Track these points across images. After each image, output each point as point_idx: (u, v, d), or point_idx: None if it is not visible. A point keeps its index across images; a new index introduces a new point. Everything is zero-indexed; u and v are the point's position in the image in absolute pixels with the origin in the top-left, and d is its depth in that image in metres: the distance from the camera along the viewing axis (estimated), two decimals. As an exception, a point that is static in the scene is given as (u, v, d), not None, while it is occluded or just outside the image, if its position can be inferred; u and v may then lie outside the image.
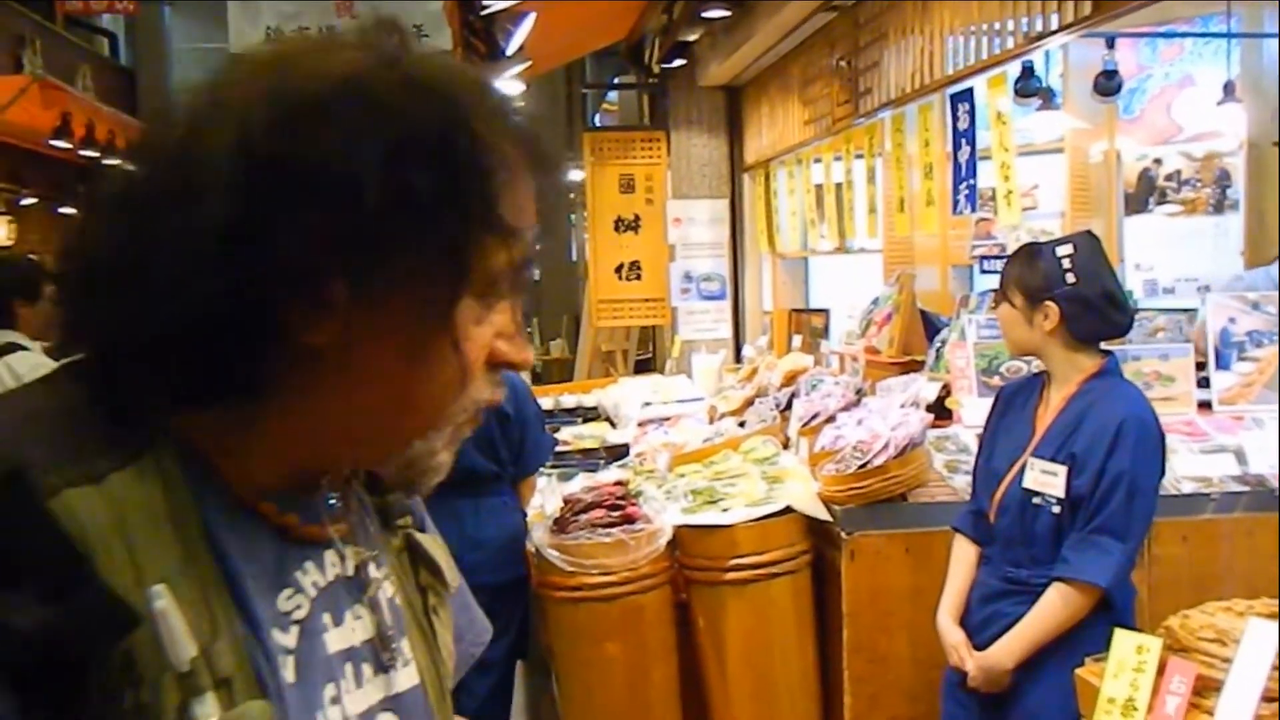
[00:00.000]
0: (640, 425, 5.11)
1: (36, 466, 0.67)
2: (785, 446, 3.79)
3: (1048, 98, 5.19)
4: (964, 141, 3.71)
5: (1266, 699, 1.63)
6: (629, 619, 3.18)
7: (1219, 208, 5.82)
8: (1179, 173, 5.92)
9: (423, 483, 0.83)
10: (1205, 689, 1.80)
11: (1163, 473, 2.56)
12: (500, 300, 0.77)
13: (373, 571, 0.84)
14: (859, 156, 4.78)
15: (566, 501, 3.35)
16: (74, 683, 0.65)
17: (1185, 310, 5.74)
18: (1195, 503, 3.21)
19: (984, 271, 5.81)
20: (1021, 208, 5.74)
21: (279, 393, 0.73)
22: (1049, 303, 2.50)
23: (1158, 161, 5.98)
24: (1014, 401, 2.73)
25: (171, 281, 0.69)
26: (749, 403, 4.86)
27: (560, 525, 3.28)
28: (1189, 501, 3.21)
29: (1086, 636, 2.35)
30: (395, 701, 0.83)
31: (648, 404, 5.46)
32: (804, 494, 3.23)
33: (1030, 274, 2.55)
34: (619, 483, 3.45)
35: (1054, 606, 2.45)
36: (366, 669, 0.81)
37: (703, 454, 3.83)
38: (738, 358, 6.53)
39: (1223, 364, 3.81)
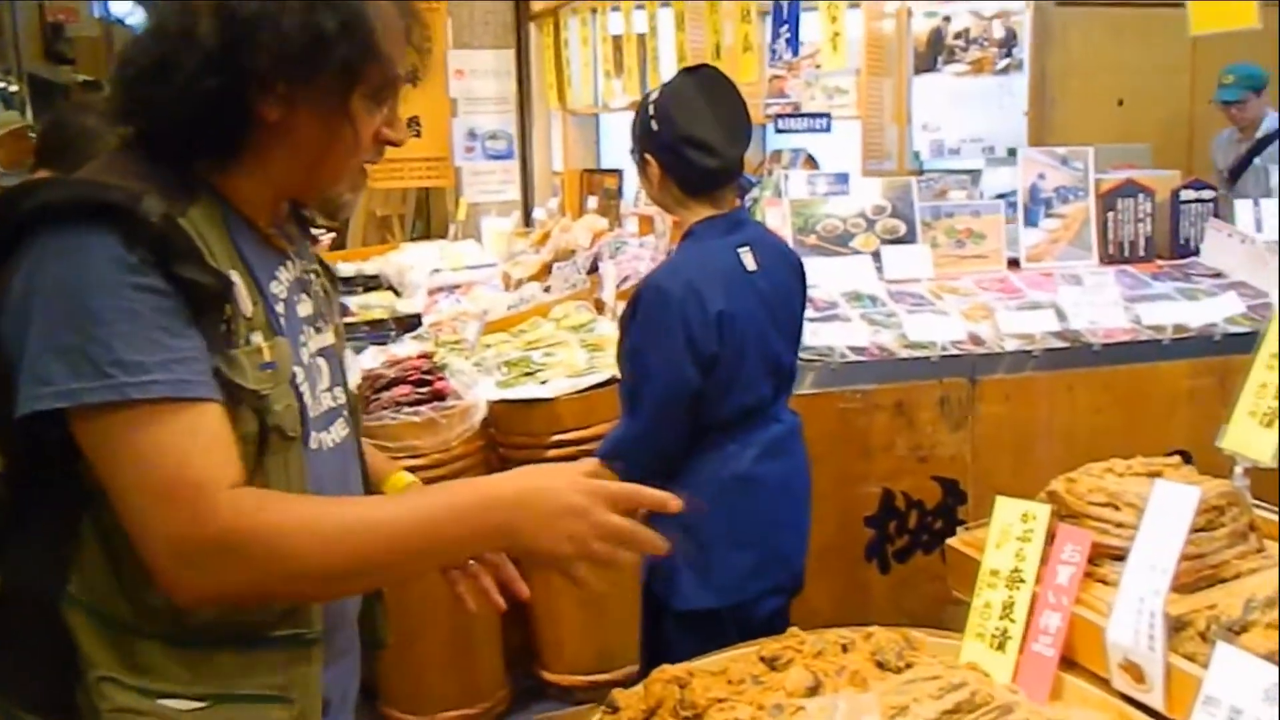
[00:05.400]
0: (430, 294, 4.76)
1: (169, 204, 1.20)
2: (599, 312, 3.55)
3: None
4: (785, -18, 3.47)
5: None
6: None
7: (1006, 68, 5.85)
8: (968, 31, 5.91)
9: (339, 214, 1.44)
10: (1098, 556, 1.70)
11: (680, 347, 2.31)
12: (382, 103, 1.33)
13: (309, 275, 1.43)
14: (665, 2, 4.46)
15: (365, 378, 3.00)
16: (209, 318, 1.21)
17: (969, 171, 5.80)
18: (1017, 360, 3.20)
19: (778, 131, 5.65)
20: (816, 64, 5.62)
21: (252, 151, 1.28)
22: (646, 154, 2.41)
23: (947, 20, 5.95)
24: None
25: (184, 81, 1.21)
26: (547, 268, 4.60)
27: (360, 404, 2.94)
28: (1011, 359, 3.19)
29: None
30: (325, 350, 1.42)
31: (436, 271, 5.10)
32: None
33: (634, 126, 2.44)
34: (423, 355, 3.12)
35: None
36: (312, 329, 1.39)
37: (510, 322, 3.55)
38: (527, 221, 6.21)
39: (1031, 220, 3.81)
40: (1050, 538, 1.72)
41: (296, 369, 1.32)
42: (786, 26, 3.38)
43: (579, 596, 3.11)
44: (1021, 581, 1.72)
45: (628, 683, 3.18)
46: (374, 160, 1.38)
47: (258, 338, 1.25)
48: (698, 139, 2.32)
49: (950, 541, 2.00)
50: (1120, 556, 1.61)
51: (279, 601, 1.26)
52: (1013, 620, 1.69)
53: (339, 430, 1.43)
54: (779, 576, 2.46)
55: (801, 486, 2.55)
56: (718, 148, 2.34)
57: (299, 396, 1.31)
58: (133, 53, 1.27)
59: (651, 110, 2.37)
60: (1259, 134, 5.71)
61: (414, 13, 1.36)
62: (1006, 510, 1.81)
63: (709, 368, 2.31)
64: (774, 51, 3.54)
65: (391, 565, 1.23)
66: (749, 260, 2.38)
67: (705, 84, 2.39)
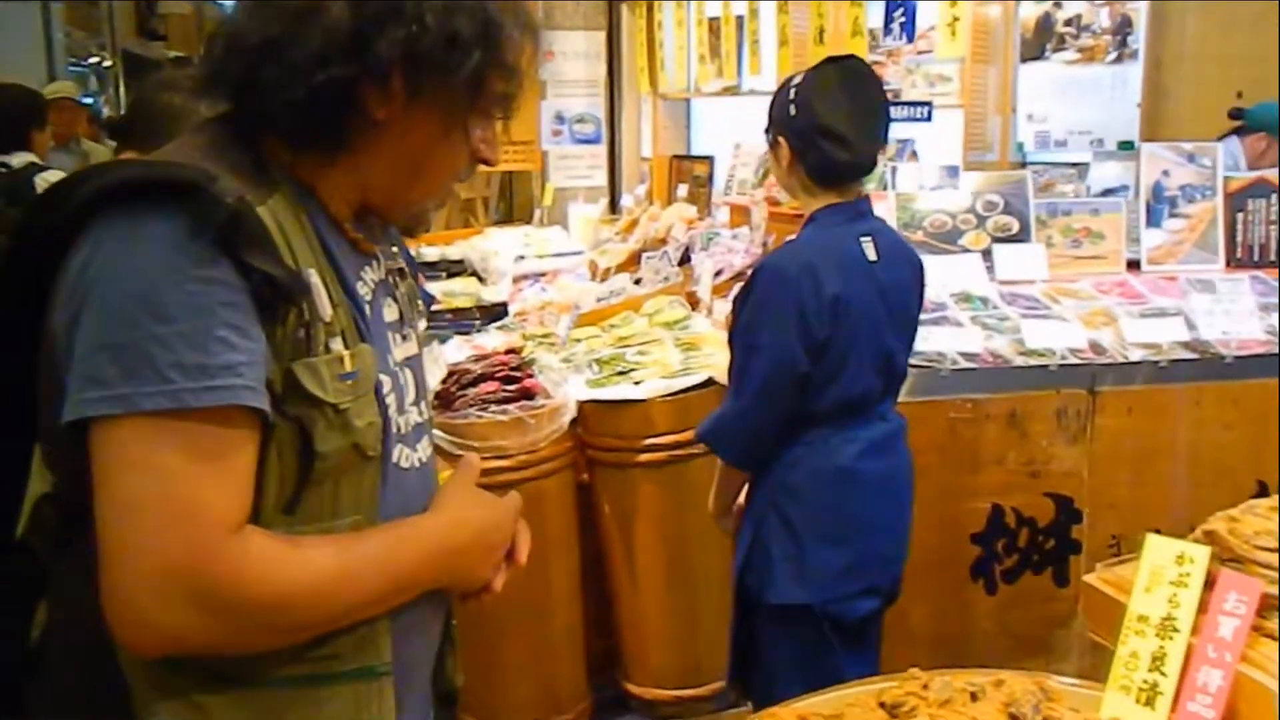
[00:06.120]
0: (514, 281, 4.66)
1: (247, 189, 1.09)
2: (694, 307, 3.40)
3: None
4: (899, -38, 3.28)
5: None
6: (527, 509, 2.75)
7: (1119, 57, 5.57)
8: (1079, 18, 5.63)
9: (416, 229, 1.33)
10: (1266, 608, 1.52)
11: (791, 328, 2.25)
12: (493, 118, 1.26)
13: (394, 278, 1.32)
14: (766, -17, 4.29)
15: (451, 372, 2.89)
16: (284, 320, 1.09)
17: (1075, 164, 5.53)
18: (1140, 371, 2.99)
19: (877, 119, 5.46)
20: (917, 51, 5.40)
21: (352, 147, 1.18)
22: (780, 138, 2.37)
23: (1058, 5, 5.68)
24: None
25: (301, 63, 1.11)
26: (634, 257, 4.46)
27: (444, 400, 2.83)
28: (1134, 369, 2.98)
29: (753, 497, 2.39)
30: (410, 360, 1.32)
31: (521, 258, 4.99)
32: (727, 364, 2.85)
33: (772, 108, 2.40)
34: (511, 350, 3.00)
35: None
36: (398, 336, 1.30)
37: (599, 315, 3.41)
38: (614, 208, 6.08)
39: (1153, 220, 3.57)
40: (1209, 583, 1.55)
41: (384, 378, 1.21)
42: (902, 11, 3.19)
43: (667, 605, 2.99)
44: (1175, 631, 1.56)
45: (714, 699, 3.07)
46: (464, 178, 1.30)
47: (338, 344, 1.13)
48: (834, 130, 2.28)
49: (1087, 578, 1.85)
50: (1295, 610, 1.45)
51: (230, 652, 1.11)
52: (1164, 674, 1.53)
53: (425, 448, 1.31)
54: (874, 578, 2.39)
55: (903, 489, 2.47)
56: (853, 141, 2.29)
57: (383, 410, 1.19)
58: (239, 26, 1.16)
59: (792, 94, 2.33)
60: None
61: (535, 27, 1.25)
62: (1158, 550, 1.64)
63: (819, 352, 2.26)
64: (887, 32, 3.35)
65: (353, 616, 1.16)
66: (870, 250, 2.34)
67: (849, 75, 2.34)
